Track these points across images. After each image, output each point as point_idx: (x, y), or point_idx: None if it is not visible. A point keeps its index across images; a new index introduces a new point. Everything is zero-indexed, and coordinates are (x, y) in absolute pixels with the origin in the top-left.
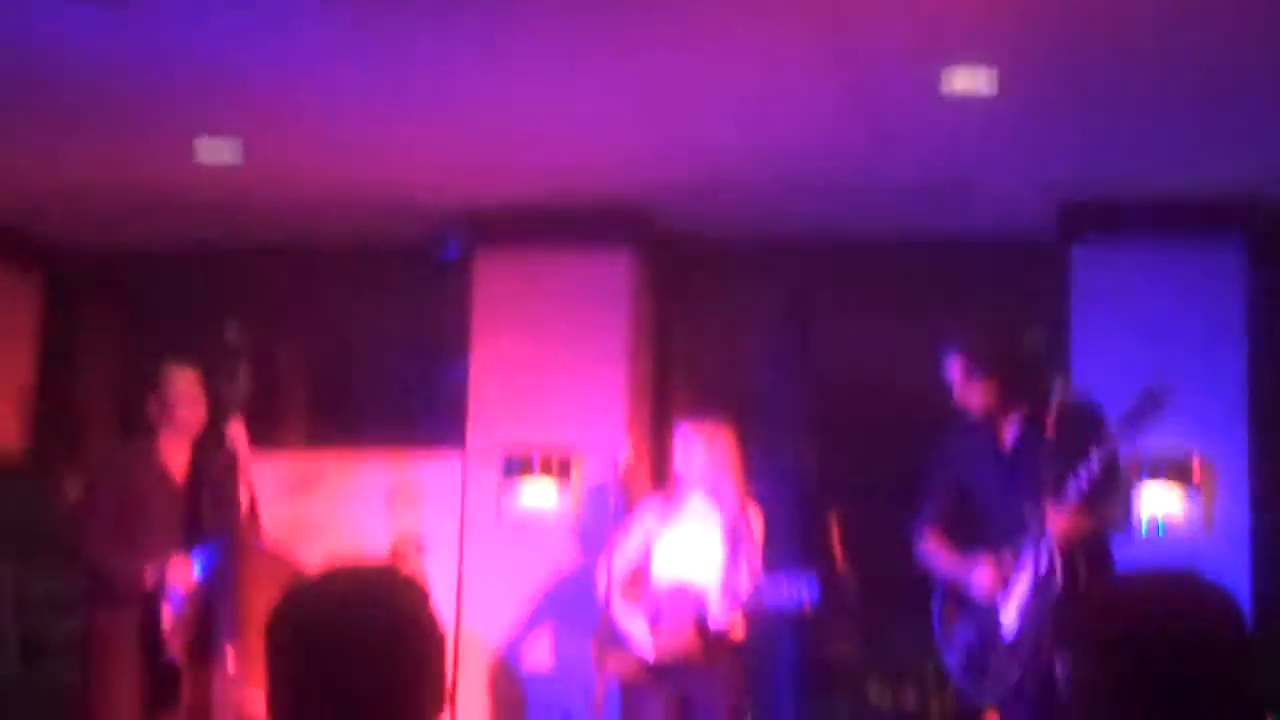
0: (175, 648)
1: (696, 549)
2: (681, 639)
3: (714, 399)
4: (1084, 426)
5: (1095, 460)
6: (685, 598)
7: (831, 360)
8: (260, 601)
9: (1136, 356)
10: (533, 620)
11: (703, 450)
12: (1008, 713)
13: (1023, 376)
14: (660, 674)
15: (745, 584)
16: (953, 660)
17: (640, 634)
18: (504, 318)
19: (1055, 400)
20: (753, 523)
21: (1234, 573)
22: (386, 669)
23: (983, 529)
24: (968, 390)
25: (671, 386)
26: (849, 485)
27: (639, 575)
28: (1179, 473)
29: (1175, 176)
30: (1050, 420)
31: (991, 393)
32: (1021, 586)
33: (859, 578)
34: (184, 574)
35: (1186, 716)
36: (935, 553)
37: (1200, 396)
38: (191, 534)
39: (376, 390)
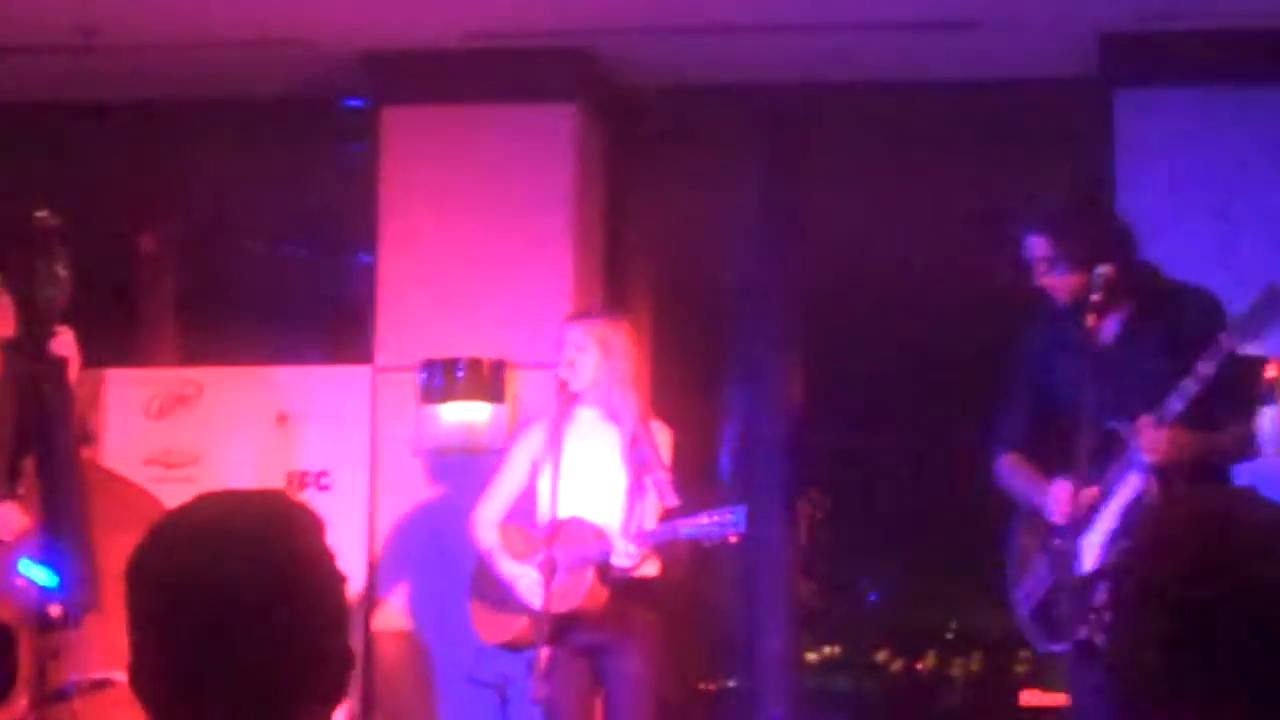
0: (6, 611)
1: (591, 475)
2: (579, 588)
3: (680, 288)
4: (1192, 324)
5: (1205, 368)
6: (581, 536)
7: (826, 236)
8: (117, 551)
9: (1194, 229)
10: (460, 570)
11: (594, 353)
12: (1074, 665)
13: (1128, 265)
14: (558, 633)
15: (653, 514)
16: (1020, 600)
17: (529, 585)
18: (418, 192)
19: (1099, 282)
20: (659, 439)
21: None
22: (275, 614)
23: (1074, 446)
24: (1052, 280)
25: (629, 275)
26: (846, 397)
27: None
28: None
29: (1244, 2)
30: (1095, 309)
31: (1081, 284)
32: (1109, 516)
33: (826, 511)
34: (9, 519)
35: (1232, 680)
36: (1013, 472)
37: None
38: (13, 469)
39: (263, 288)
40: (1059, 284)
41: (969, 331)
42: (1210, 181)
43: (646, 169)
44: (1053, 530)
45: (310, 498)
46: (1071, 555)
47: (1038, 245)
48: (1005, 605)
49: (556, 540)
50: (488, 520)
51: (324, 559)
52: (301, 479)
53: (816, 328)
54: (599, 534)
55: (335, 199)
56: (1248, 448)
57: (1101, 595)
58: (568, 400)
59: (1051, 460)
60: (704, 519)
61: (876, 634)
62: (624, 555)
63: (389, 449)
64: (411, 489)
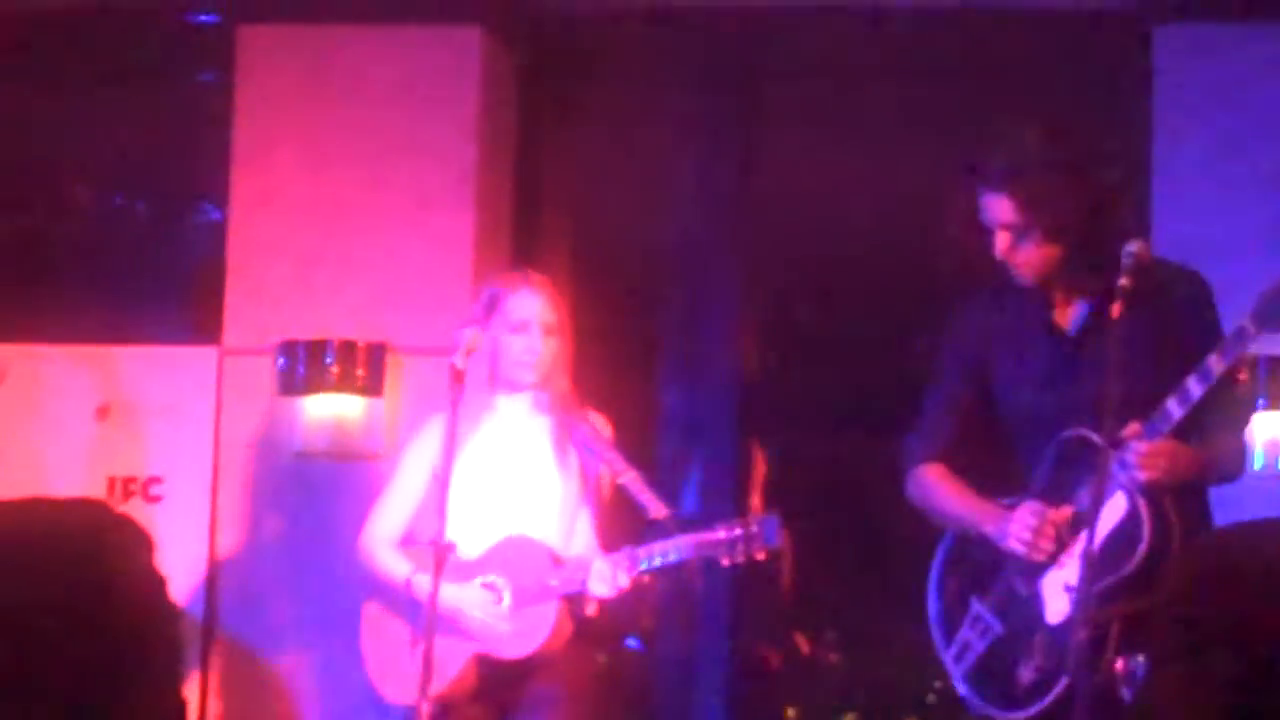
0: None
1: (522, 483)
2: (541, 625)
3: (604, 254)
4: (1182, 312)
5: (1217, 364)
6: (532, 560)
7: (782, 198)
8: None
9: (1245, 200)
10: (327, 604)
11: (538, 319)
12: None
13: (1106, 235)
14: (488, 686)
15: (587, 531)
16: (955, 658)
17: (485, 609)
18: (282, 134)
19: (1129, 263)
20: (600, 429)
21: None
22: (84, 655)
23: (1021, 458)
24: (1016, 250)
25: (543, 238)
26: (804, 395)
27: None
28: None
29: None
30: (1124, 296)
31: (1054, 258)
32: (1080, 548)
33: (795, 550)
34: None
35: None
36: (939, 489)
37: None
38: None
39: (85, 248)
40: (1023, 262)
41: (951, 307)
42: (1268, 136)
43: (566, 109)
44: (1002, 566)
45: (137, 509)
46: (1034, 602)
47: (999, 207)
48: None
49: (495, 566)
50: (384, 542)
51: (151, 586)
52: (126, 486)
53: (773, 303)
54: (555, 559)
55: (178, 140)
56: (1238, 466)
57: (1077, 650)
58: (500, 387)
59: (987, 475)
60: (721, 533)
61: (839, 698)
62: (611, 583)
63: (237, 451)
64: (265, 501)
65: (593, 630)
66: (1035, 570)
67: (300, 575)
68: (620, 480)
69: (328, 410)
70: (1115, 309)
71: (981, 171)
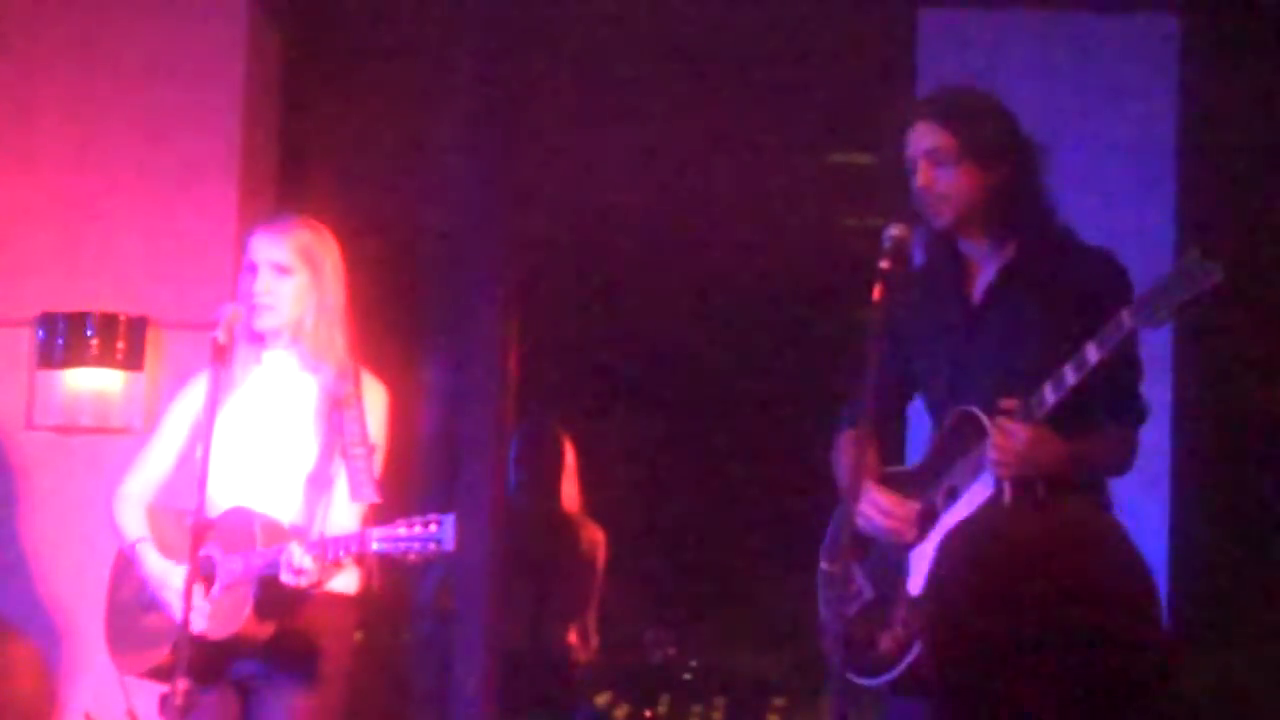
0: None
1: (270, 447)
2: (239, 610)
3: (367, 239)
4: (1084, 287)
5: (1094, 353)
6: (243, 535)
7: (555, 175)
8: None
9: None
10: (83, 579)
11: (302, 275)
12: (893, 705)
13: (1022, 191)
14: (207, 664)
15: (350, 509)
16: (828, 619)
17: (175, 593)
18: (45, 100)
19: (889, 245)
20: (370, 400)
21: (1147, 536)
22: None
23: (932, 427)
24: (937, 177)
25: (306, 214)
26: (572, 378)
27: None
28: None
29: None
30: (884, 279)
31: (974, 189)
32: (953, 523)
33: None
34: None
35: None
36: (840, 456)
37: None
38: None
39: None
40: (950, 184)
41: (737, 296)
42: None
43: (333, 84)
44: (880, 538)
45: None
46: (901, 567)
47: (929, 133)
48: (757, 641)
49: (211, 539)
50: (132, 499)
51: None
52: None
53: (541, 291)
54: (272, 534)
55: None
56: (1125, 460)
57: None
58: (255, 341)
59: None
60: (400, 529)
61: (596, 672)
62: (296, 571)
63: None
64: (22, 476)
65: (336, 616)
66: (904, 543)
67: (58, 550)
68: (346, 452)
69: (87, 383)
70: (875, 291)
71: (916, 103)
